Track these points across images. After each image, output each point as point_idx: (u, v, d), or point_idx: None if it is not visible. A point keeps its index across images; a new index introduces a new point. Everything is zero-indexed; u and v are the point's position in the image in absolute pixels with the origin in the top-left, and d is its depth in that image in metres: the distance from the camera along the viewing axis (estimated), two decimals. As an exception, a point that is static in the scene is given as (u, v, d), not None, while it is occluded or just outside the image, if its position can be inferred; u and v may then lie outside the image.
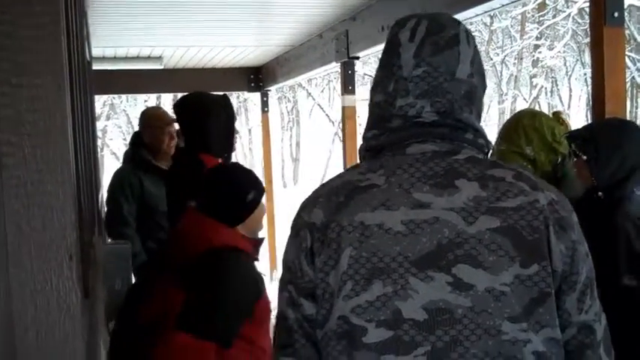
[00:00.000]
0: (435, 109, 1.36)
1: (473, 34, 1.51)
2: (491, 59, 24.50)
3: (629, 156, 2.62)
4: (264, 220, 2.98)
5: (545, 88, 26.24)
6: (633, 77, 23.60)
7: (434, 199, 1.30)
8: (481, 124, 1.45)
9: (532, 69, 23.02)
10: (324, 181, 1.50)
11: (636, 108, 29.33)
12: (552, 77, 26.54)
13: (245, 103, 30.56)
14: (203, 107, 3.41)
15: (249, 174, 2.72)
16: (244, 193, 2.59)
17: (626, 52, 21.55)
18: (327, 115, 26.65)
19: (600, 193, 2.62)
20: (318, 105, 28.95)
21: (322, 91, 31.93)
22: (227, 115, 3.44)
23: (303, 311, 1.37)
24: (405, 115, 1.37)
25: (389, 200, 1.31)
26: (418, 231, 1.28)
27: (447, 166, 1.33)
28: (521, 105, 25.46)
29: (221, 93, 3.68)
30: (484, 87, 1.48)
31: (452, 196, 1.30)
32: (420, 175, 1.33)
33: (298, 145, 31.07)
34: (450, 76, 1.37)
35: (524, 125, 2.92)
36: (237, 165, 2.98)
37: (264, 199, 2.71)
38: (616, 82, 3.35)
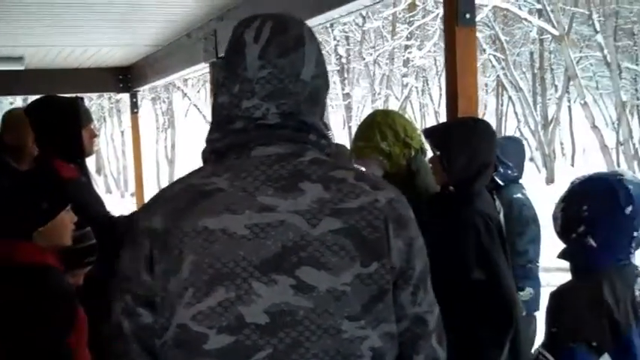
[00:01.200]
0: (280, 111, 1.35)
1: (341, 34, 1.51)
2: (364, 59, 25.07)
3: (480, 154, 2.73)
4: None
5: (417, 88, 27.13)
6: (498, 76, 24.82)
7: (279, 202, 1.29)
8: (327, 121, 1.47)
9: (403, 69, 23.68)
10: (163, 186, 1.46)
11: (502, 105, 30.84)
12: (423, 77, 27.47)
13: (117, 105, 29.77)
14: (52, 112, 3.34)
15: (46, 184, 2.51)
16: (35, 202, 2.37)
17: (492, 52, 22.70)
18: (203, 115, 26.37)
19: (452, 189, 2.72)
20: (195, 105, 28.59)
21: (198, 91, 31.61)
22: (77, 118, 3.35)
23: (140, 321, 1.32)
24: (249, 117, 1.35)
25: (233, 204, 1.29)
26: (263, 235, 1.27)
27: (291, 169, 1.33)
28: (394, 104, 26.16)
29: (73, 95, 3.57)
30: (327, 87, 1.49)
31: (296, 199, 1.30)
32: (264, 178, 1.32)
33: (174, 147, 30.56)
34: (295, 78, 1.37)
35: (378, 123, 3.03)
36: (35, 174, 2.84)
37: (68, 212, 2.46)
38: (468, 81, 3.50)
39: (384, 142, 2.96)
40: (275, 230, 1.27)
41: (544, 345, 1.95)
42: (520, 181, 4.41)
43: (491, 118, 34.32)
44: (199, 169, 1.41)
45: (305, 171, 1.33)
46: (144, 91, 27.66)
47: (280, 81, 1.36)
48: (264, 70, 1.35)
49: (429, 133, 2.89)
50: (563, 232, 2.08)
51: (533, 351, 1.99)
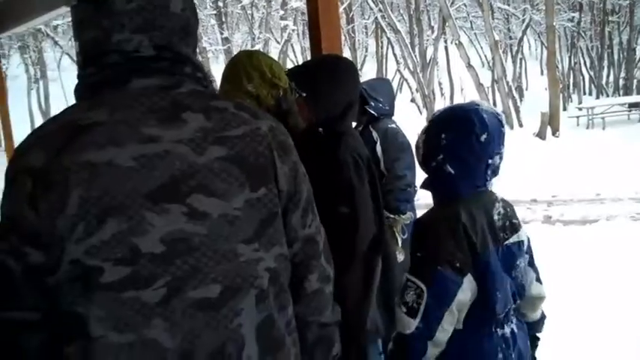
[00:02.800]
0: (153, 44, 1.33)
1: None
2: (241, 2, 24.58)
3: (345, 92, 2.67)
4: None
5: (296, 30, 26.94)
6: (376, 18, 25.01)
7: (162, 132, 1.28)
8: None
9: (281, 11, 23.40)
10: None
11: (381, 48, 31.22)
12: (303, 20, 27.29)
13: (-19, 55, 28.02)
14: None
15: None
16: None
17: (368, -6, 22.76)
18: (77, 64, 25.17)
19: (320, 129, 2.65)
20: (67, 54, 27.40)
21: (70, 39, 30.14)
22: None
23: (28, 260, 1.25)
24: (122, 50, 1.32)
25: (116, 137, 1.25)
26: (150, 165, 1.25)
27: (171, 100, 1.32)
28: (274, 48, 25.96)
29: None
30: (197, 22, 1.47)
31: (180, 129, 1.29)
32: (145, 109, 1.29)
33: (47, 99, 29.27)
34: (164, 10, 1.35)
35: (243, 64, 2.93)
36: None
37: None
38: (330, 21, 3.42)
39: (250, 84, 2.87)
40: (162, 160, 1.26)
41: (411, 270, 2.00)
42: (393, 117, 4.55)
43: (371, 60, 34.85)
44: (74, 106, 1.36)
45: (185, 102, 1.33)
46: (10, 39, 26.22)
47: (150, 12, 1.33)
48: (132, 2, 1.32)
49: (293, 74, 2.79)
50: (424, 161, 2.14)
51: (402, 279, 2.01)
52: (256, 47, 22.99)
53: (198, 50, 14.31)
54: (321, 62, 2.90)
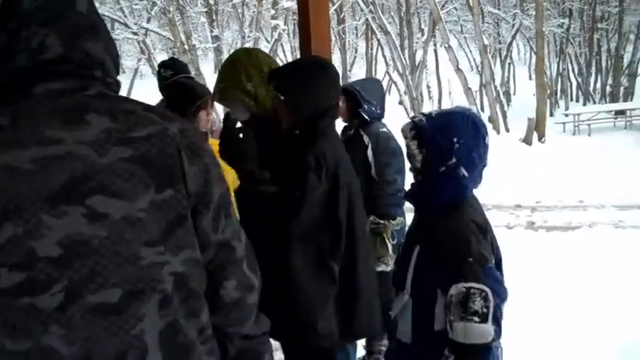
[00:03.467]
0: (60, 39, 1.31)
1: None
2: (232, 0, 24.52)
3: (326, 95, 2.67)
4: None
5: (286, 30, 26.92)
6: (367, 19, 25.03)
7: (65, 134, 1.25)
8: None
9: (272, 10, 23.36)
10: None
11: (371, 49, 31.24)
12: (293, 19, 27.25)
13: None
14: None
15: None
16: None
17: (359, -5, 22.76)
18: None
19: (297, 132, 2.65)
20: None
21: None
22: None
23: None
24: (29, 49, 1.29)
25: (17, 141, 1.23)
26: (50, 167, 1.22)
27: (76, 102, 1.29)
28: (264, 47, 25.90)
29: None
30: (106, 29, 1.45)
31: (83, 131, 1.26)
32: (48, 112, 1.26)
33: None
34: (70, 7, 1.34)
35: (243, 63, 2.89)
36: None
37: None
38: (321, 21, 3.44)
39: (249, 82, 2.83)
40: (62, 162, 1.23)
41: (464, 279, 1.98)
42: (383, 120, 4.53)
43: (361, 62, 34.87)
44: None
45: (90, 104, 1.30)
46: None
47: (56, 10, 1.32)
48: (38, 0, 1.31)
49: (273, 75, 2.76)
50: (428, 166, 2.17)
51: (455, 291, 1.98)
52: (246, 45, 22.95)
53: (187, 47, 13.94)
54: (302, 64, 2.88)
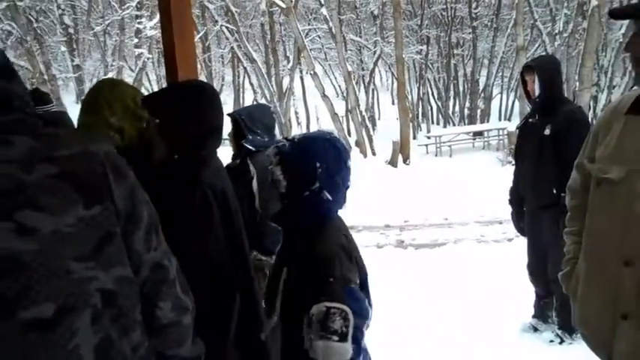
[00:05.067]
0: None
1: (67, 2, 1.41)
2: (93, 29, 23.86)
3: (207, 120, 2.62)
4: None
5: (151, 59, 26.46)
6: (232, 47, 25.07)
7: None
8: None
9: (135, 39, 22.92)
10: None
11: (238, 77, 31.26)
12: (157, 48, 26.85)
13: None
14: None
15: None
16: None
17: (224, 24, 22.79)
18: None
19: (176, 156, 2.58)
20: None
21: None
22: None
23: None
24: None
25: None
26: None
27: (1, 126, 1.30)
28: (128, 76, 25.34)
29: None
30: (8, 60, 1.44)
31: (8, 150, 1.27)
32: None
33: None
34: None
35: (105, 96, 2.78)
36: None
37: None
38: (185, 49, 3.40)
39: (113, 116, 2.73)
40: None
41: (326, 298, 1.99)
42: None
43: (228, 89, 34.81)
44: None
45: (14, 127, 1.31)
46: None
47: None
48: None
49: (148, 101, 2.69)
50: (292, 191, 2.18)
51: (316, 311, 1.99)
52: (109, 75, 22.35)
53: (47, 78, 13.51)
54: (182, 88, 2.79)
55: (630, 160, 2.13)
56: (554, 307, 5.04)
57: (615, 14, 2.09)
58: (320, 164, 2.14)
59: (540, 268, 4.97)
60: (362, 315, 2.05)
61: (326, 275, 2.03)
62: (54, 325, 1.25)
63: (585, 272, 2.37)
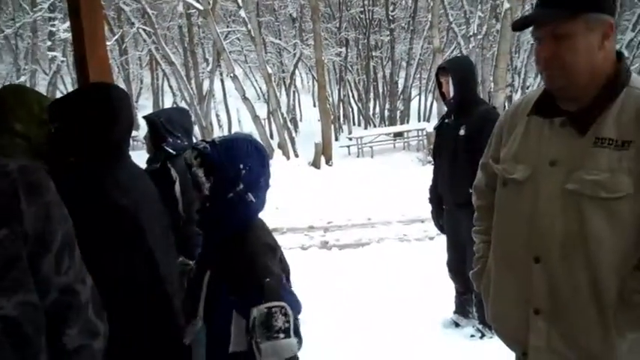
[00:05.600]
0: None
1: None
2: (3, 31, 23.02)
3: (118, 123, 2.50)
4: None
5: (66, 62, 25.76)
6: (150, 50, 24.69)
7: None
8: None
9: (49, 42, 22.25)
10: None
11: (157, 80, 30.75)
12: (72, 51, 26.13)
13: None
14: None
15: None
16: None
17: (141, 26, 22.38)
18: None
19: (72, 159, 2.47)
20: None
21: None
22: None
23: None
24: None
25: None
26: None
27: None
28: (42, 79, 24.61)
29: None
30: None
31: None
32: None
33: None
34: None
35: (8, 102, 2.65)
36: None
37: None
38: (96, 50, 3.31)
39: (18, 123, 2.60)
40: None
41: (265, 298, 2.00)
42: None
43: (147, 92, 34.23)
44: None
45: None
46: None
47: None
48: None
49: (54, 106, 2.57)
50: (215, 194, 2.16)
51: (257, 313, 2.00)
52: (22, 79, 21.66)
53: (-47, 82, 12.92)
54: (89, 91, 2.64)
55: (534, 160, 2.20)
56: (474, 302, 5.17)
57: (516, 27, 2.18)
58: (244, 166, 2.15)
59: (459, 265, 5.11)
60: (296, 308, 2.08)
61: (261, 276, 2.04)
62: None
63: (495, 270, 2.43)
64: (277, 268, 2.13)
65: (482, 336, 5.08)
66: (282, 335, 1.97)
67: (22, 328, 1.26)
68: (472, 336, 5.13)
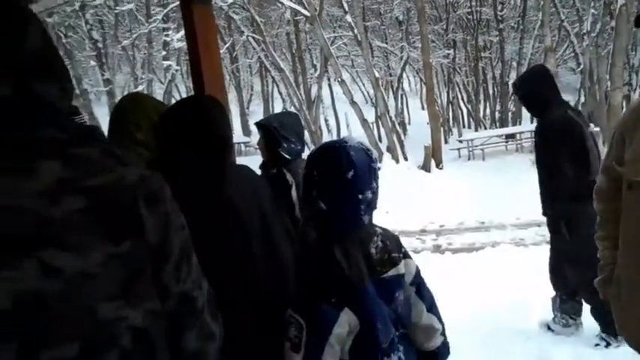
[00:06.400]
0: (10, 86, 1.22)
1: (94, 17, 1.32)
2: (121, 43, 24.11)
3: (222, 133, 2.51)
4: None
5: (180, 70, 26.69)
6: (260, 57, 25.21)
7: (15, 184, 1.17)
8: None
9: (163, 52, 23.12)
10: None
11: (267, 86, 31.40)
12: (185, 59, 27.04)
13: None
14: None
15: None
16: None
17: (250, 34, 22.90)
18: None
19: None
20: None
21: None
22: None
23: None
24: None
25: None
26: (0, 219, 1.14)
27: (25, 148, 1.20)
28: (159, 88, 25.58)
29: None
30: (59, 60, 1.36)
31: (34, 180, 1.18)
32: None
33: None
34: (20, 44, 1.24)
35: (129, 112, 2.72)
36: None
37: None
38: (211, 60, 3.37)
39: (139, 132, 2.66)
40: (13, 214, 1.15)
41: (293, 306, 2.03)
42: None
43: (257, 99, 34.99)
44: None
45: (41, 150, 1.22)
46: None
47: (6, 49, 1.22)
48: None
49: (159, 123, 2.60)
50: (304, 196, 2.20)
51: (286, 315, 2.06)
52: (139, 88, 22.55)
53: (78, 92, 13.66)
54: (186, 107, 2.48)
55: None
56: (590, 310, 4.98)
57: (639, 23, 2.04)
58: (317, 172, 2.15)
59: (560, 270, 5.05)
60: (322, 335, 2.00)
61: (299, 285, 2.09)
62: None
63: (626, 277, 2.29)
64: (323, 288, 2.07)
65: (608, 345, 4.84)
66: (288, 344, 2.00)
67: (149, 336, 1.29)
68: (597, 345, 4.90)
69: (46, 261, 1.16)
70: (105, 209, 1.23)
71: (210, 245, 2.26)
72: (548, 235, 5.15)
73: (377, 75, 21.00)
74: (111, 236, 1.23)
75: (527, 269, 7.04)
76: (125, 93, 27.76)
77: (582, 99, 24.51)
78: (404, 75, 31.78)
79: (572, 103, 22.72)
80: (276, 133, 4.04)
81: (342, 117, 29.69)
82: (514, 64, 29.19)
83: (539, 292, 5.98)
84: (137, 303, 1.26)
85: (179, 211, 1.39)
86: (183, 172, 2.32)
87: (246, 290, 2.34)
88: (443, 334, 2.45)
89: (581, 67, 22.75)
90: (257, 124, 4.21)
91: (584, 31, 21.50)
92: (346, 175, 2.09)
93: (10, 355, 1.12)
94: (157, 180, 1.35)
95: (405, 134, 26.58)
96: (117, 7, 22.55)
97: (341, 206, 2.12)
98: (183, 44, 20.07)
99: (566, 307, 5.21)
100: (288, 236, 2.73)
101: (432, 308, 2.40)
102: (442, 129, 23.68)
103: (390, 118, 21.02)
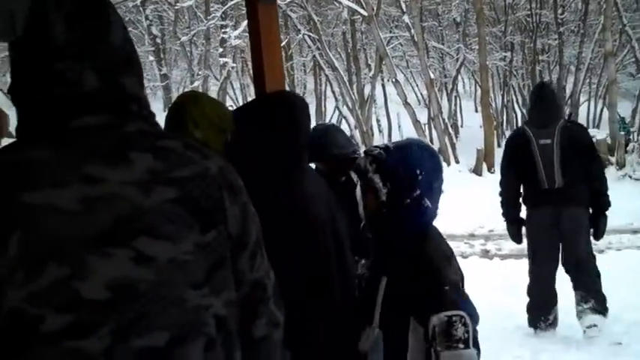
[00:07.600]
0: (97, 77, 1.29)
1: (154, 13, 1.41)
2: (180, 39, 24.46)
3: (304, 133, 2.63)
4: None
5: (235, 67, 26.94)
6: (314, 56, 25.28)
7: (107, 173, 1.23)
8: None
9: (220, 49, 23.38)
10: None
11: (320, 85, 31.46)
12: (241, 57, 27.31)
13: None
14: None
15: None
16: None
17: (306, 32, 22.99)
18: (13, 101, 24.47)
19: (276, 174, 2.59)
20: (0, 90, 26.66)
21: (4, 74, 29.42)
22: None
23: None
24: (63, 82, 1.26)
25: (57, 177, 1.20)
26: (93, 208, 1.20)
27: (116, 139, 1.27)
28: (214, 85, 25.85)
29: None
30: (137, 56, 1.44)
31: (126, 170, 1.25)
32: (88, 149, 1.25)
33: (-22, 135, 28.31)
34: (104, 39, 1.32)
35: (188, 109, 2.82)
36: None
37: None
38: (273, 57, 3.43)
39: (196, 129, 2.75)
40: (107, 202, 1.22)
41: (442, 307, 2.00)
42: None
43: (310, 97, 35.02)
44: (11, 145, 1.31)
45: (132, 141, 1.29)
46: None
47: (90, 42, 1.29)
48: (71, 32, 1.28)
49: (240, 113, 2.70)
50: (392, 199, 2.18)
51: (438, 321, 1.98)
52: (195, 84, 22.88)
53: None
54: (275, 101, 2.77)
55: None
56: None
57: None
58: (420, 171, 2.16)
59: None
60: (475, 318, 2.05)
61: (440, 284, 2.05)
62: (166, 353, 1.23)
63: None
64: (455, 275, 2.12)
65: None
66: (461, 345, 1.95)
67: (227, 323, 1.34)
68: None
69: (139, 249, 1.22)
70: (194, 199, 1.29)
71: (280, 240, 2.35)
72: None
73: (432, 76, 20.91)
74: (199, 226, 1.29)
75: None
76: (181, 88, 28.14)
77: (642, 106, 23.94)
78: (459, 77, 31.46)
79: (630, 110, 22.16)
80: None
81: (393, 117, 29.55)
82: (572, 68, 28.64)
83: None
84: (219, 291, 1.32)
85: (250, 200, 1.44)
86: (262, 165, 2.42)
87: (317, 291, 2.42)
88: None
89: (642, 73, 22.22)
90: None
91: (647, 36, 21.03)
92: (442, 170, 2.28)
93: (102, 343, 1.17)
94: (233, 171, 1.41)
95: (457, 137, 26.30)
96: (177, 4, 22.90)
97: (438, 202, 2.25)
98: (240, 42, 20.31)
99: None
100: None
101: None
102: (495, 132, 23.37)
103: (443, 119, 20.89)
